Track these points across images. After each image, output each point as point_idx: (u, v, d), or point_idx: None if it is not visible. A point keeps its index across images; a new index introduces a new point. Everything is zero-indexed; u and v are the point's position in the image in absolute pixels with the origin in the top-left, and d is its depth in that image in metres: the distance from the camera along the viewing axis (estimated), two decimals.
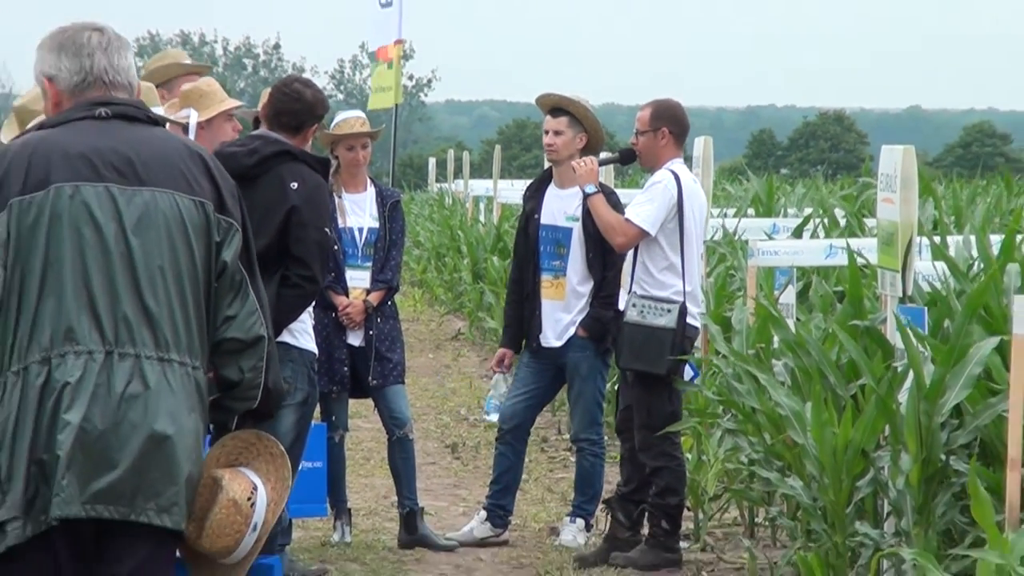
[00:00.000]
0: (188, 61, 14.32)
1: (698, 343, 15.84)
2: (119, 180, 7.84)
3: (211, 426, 8.44)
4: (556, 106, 15.46)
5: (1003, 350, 12.61)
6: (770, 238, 21.17)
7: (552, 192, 15.48)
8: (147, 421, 7.70)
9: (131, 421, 7.68)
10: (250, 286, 8.16)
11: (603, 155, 15.41)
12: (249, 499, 8.16)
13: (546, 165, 15.96)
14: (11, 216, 7.77)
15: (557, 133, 15.22)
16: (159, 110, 13.35)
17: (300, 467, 13.79)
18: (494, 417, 17.51)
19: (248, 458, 8.39)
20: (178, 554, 8.14)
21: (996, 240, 15.90)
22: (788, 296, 17.53)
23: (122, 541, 7.80)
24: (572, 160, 14.91)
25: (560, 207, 15.34)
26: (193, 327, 7.93)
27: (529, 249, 15.64)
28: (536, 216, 15.54)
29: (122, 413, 7.68)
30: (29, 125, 14.31)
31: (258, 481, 8.28)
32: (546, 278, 15.44)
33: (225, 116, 14.03)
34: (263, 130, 13.63)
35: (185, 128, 13.79)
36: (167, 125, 13.03)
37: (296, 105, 13.61)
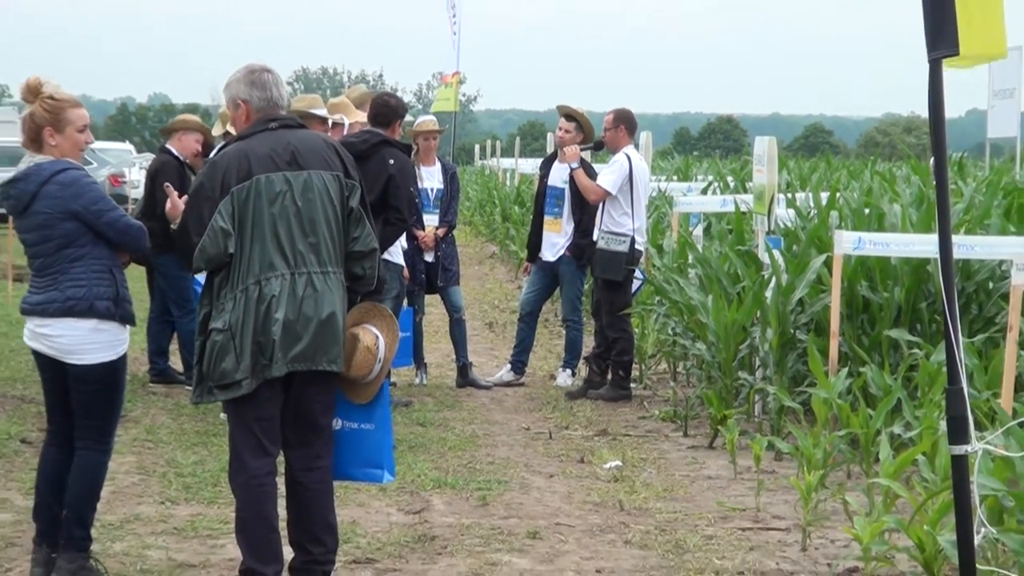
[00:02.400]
0: (319, 109, 14.58)
1: (643, 261, 17.41)
2: (289, 168, 8.86)
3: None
4: (568, 113, 16.95)
5: (828, 264, 14.16)
6: (686, 195, 22.56)
7: (556, 166, 17.05)
8: (317, 312, 8.76)
9: (306, 314, 8.74)
10: (366, 220, 9.15)
11: (583, 145, 16.81)
12: (375, 344, 9.19)
13: (549, 150, 17.41)
14: (233, 199, 8.76)
15: (567, 131, 16.81)
16: (322, 112, 14.71)
17: (402, 320, 14.84)
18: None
19: (370, 318, 9.32)
20: None
21: (824, 196, 17.79)
22: (698, 231, 19.53)
23: (309, 380, 8.91)
24: (570, 148, 16.55)
25: (560, 175, 16.88)
26: (338, 249, 8.98)
27: (541, 201, 17.24)
28: (546, 180, 17.16)
29: (302, 309, 8.74)
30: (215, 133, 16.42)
31: (379, 333, 9.26)
32: (548, 219, 17.01)
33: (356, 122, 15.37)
34: (369, 127, 14.78)
35: (337, 125, 15.24)
36: (330, 123, 14.81)
37: (386, 109, 14.88)
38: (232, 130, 9.90)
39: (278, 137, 9.00)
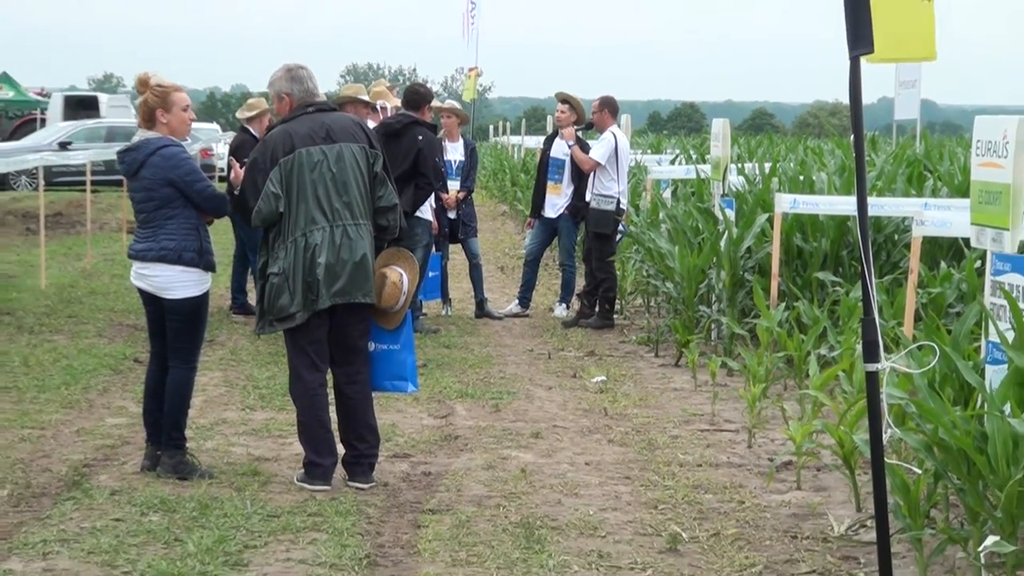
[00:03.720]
0: (363, 95, 14.64)
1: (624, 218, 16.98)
2: (324, 142, 8.98)
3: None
4: (564, 98, 16.85)
5: (770, 220, 14.14)
6: (658, 165, 22.63)
7: (557, 142, 16.82)
8: (352, 256, 8.91)
9: (343, 258, 8.89)
10: (388, 181, 9.25)
11: (577, 126, 16.70)
12: (400, 281, 9.30)
13: (549, 130, 17.35)
14: (281, 169, 8.88)
15: (563, 112, 16.67)
16: (365, 97, 14.65)
17: (427, 275, 15.32)
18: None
19: (395, 260, 9.42)
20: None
21: (767, 166, 17.69)
22: (667, 194, 19.41)
23: (348, 311, 9.08)
24: (569, 127, 16.54)
25: (560, 149, 16.69)
26: (366, 205, 9.11)
27: (543, 170, 17.08)
28: (548, 153, 17.00)
29: (340, 254, 8.89)
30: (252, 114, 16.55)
31: (403, 271, 9.38)
32: (551, 184, 16.85)
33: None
34: (403, 111, 14.81)
35: (379, 110, 15.26)
36: (378, 106, 14.88)
37: (416, 96, 14.86)
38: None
39: (315, 119, 9.11)
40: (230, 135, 25.77)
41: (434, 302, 17.05)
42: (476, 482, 9.42)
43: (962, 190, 14.26)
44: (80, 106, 49.14)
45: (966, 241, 9.36)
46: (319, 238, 8.90)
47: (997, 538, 6.46)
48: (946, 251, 13.47)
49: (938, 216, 10.83)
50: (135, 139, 9.25)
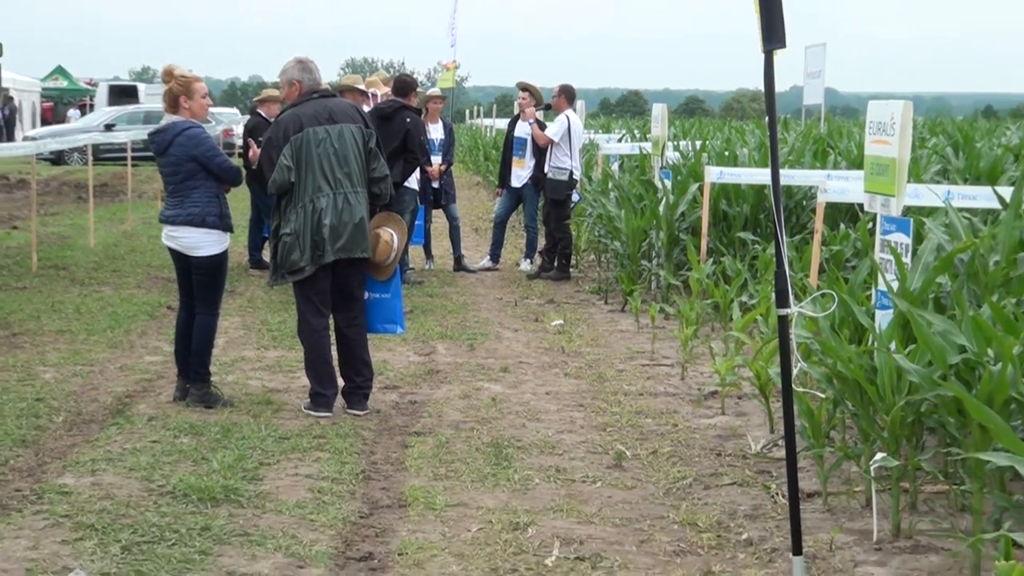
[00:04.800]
0: (360, 85, 14.85)
1: (579, 186, 16.99)
2: (327, 123, 8.98)
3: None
4: (524, 87, 16.84)
5: (701, 188, 14.10)
6: (608, 143, 22.53)
7: (520, 123, 16.79)
8: (351, 218, 8.92)
9: (344, 220, 8.90)
10: (381, 156, 9.22)
11: (537, 108, 16.60)
12: (391, 240, 9.35)
13: (515, 113, 17.15)
14: (292, 146, 8.88)
15: (524, 99, 16.67)
16: (361, 86, 14.75)
17: (416, 227, 15.43)
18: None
19: (387, 223, 9.44)
20: None
21: (698, 144, 17.77)
22: (615, 167, 19.40)
23: (348, 265, 9.07)
24: (529, 110, 16.47)
25: (523, 129, 16.64)
26: (363, 176, 9.08)
27: (509, 147, 17.02)
28: (513, 132, 16.97)
29: (342, 216, 8.90)
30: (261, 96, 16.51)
31: (394, 232, 9.42)
32: (515, 159, 16.82)
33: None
34: (393, 97, 14.66)
35: (370, 96, 15.22)
36: (371, 93, 14.79)
37: (404, 85, 14.75)
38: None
39: (319, 103, 9.09)
40: (247, 118, 25.54)
41: (419, 258, 17.03)
42: (454, 409, 9.44)
43: (858, 163, 14.07)
44: (122, 94, 49.23)
45: (860, 206, 9.33)
46: (324, 203, 8.88)
47: (884, 455, 6.50)
48: (844, 214, 13.46)
49: (838, 185, 10.86)
50: (163, 122, 9.24)
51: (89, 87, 54.92)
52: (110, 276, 16.05)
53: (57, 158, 39.29)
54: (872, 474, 6.71)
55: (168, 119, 9.21)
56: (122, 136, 26.77)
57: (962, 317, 6.67)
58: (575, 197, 16.77)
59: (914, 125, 9.83)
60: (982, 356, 6.36)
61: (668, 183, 14.97)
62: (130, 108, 42.87)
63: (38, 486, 7.26)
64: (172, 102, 9.16)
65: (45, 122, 49.73)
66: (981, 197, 10.06)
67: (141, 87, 52.08)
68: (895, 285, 7.40)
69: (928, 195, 9.80)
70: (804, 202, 14.52)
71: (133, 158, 25.74)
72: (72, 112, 47.48)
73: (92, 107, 48.19)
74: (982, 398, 6.00)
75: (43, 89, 54.65)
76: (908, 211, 8.20)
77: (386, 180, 9.28)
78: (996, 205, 9.64)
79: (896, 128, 7.42)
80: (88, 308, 13.46)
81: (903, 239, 7.59)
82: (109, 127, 37.39)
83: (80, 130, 37.36)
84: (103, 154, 34.82)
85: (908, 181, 7.85)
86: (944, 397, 6.28)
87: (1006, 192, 9.32)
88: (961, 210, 9.23)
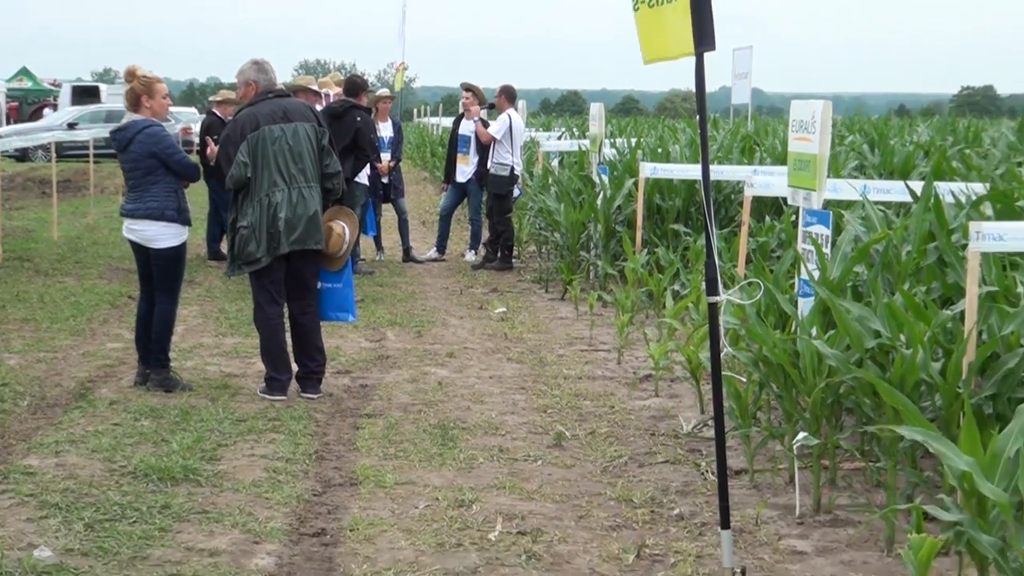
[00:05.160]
0: (313, 85, 14.32)
1: (520, 181, 16.90)
2: (282, 121, 8.93)
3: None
4: (468, 87, 16.75)
5: (636, 183, 13.95)
6: (548, 140, 22.44)
7: (464, 122, 16.66)
8: (305, 211, 8.89)
9: (299, 213, 8.87)
10: (333, 153, 9.16)
11: (481, 107, 16.49)
12: (343, 232, 9.26)
13: (460, 111, 17.00)
14: (249, 143, 8.82)
15: (467, 98, 16.57)
16: (314, 86, 14.38)
17: (366, 220, 15.46)
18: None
19: (339, 216, 9.36)
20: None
21: (634, 141, 17.78)
22: (555, 163, 19.34)
23: (302, 256, 9.03)
24: (472, 109, 16.37)
25: (467, 127, 16.51)
26: (316, 171, 9.02)
27: (454, 144, 16.93)
28: (457, 130, 16.84)
29: (296, 210, 8.86)
30: (218, 98, 16.15)
31: (345, 225, 9.33)
32: (460, 155, 16.72)
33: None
34: (344, 97, 14.63)
35: (323, 96, 14.98)
36: (323, 93, 14.55)
37: (354, 86, 14.74)
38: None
39: (275, 103, 9.03)
40: (204, 117, 25.36)
41: (370, 249, 16.98)
42: (403, 392, 9.42)
43: (782, 159, 14.26)
44: (85, 94, 48.71)
45: (784, 200, 9.41)
46: (279, 198, 8.84)
47: (806, 434, 6.56)
48: (770, 207, 13.44)
49: (764, 180, 10.87)
50: (124, 120, 9.20)
51: (53, 87, 54.40)
52: (73, 267, 15.91)
53: (22, 155, 39.03)
54: (795, 452, 6.76)
55: (129, 117, 9.15)
56: (84, 134, 26.60)
57: (877, 304, 6.77)
58: (516, 192, 16.72)
59: (833, 123, 9.91)
60: (895, 341, 6.45)
61: (605, 178, 14.97)
62: (92, 107, 42.45)
63: (4, 467, 7.20)
64: (134, 101, 9.09)
65: (10, 121, 49.21)
66: (895, 191, 10.12)
67: (103, 87, 51.51)
68: (816, 274, 7.46)
69: (846, 189, 9.86)
70: (732, 196, 14.54)
71: (95, 155, 25.52)
72: (48, 111, 47.12)
73: (56, 107, 47.72)
74: (895, 381, 6.09)
75: (8, 90, 54.06)
76: (828, 204, 8.20)
77: (338, 176, 9.22)
78: (908, 199, 9.71)
79: (817, 126, 7.47)
80: (52, 298, 13.34)
81: (823, 231, 7.65)
82: (72, 125, 37.07)
83: (44, 128, 37.08)
84: (66, 151, 34.45)
85: (828, 176, 7.92)
86: (861, 380, 6.33)
87: (917, 186, 9.41)
88: (877, 203, 9.32)
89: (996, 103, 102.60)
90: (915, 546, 4.59)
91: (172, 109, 32.05)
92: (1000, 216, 8.70)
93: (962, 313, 6.60)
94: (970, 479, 4.59)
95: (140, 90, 9.01)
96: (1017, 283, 7.14)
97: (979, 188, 9.64)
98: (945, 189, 9.26)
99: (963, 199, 9.07)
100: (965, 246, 6.71)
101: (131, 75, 9.08)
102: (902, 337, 6.40)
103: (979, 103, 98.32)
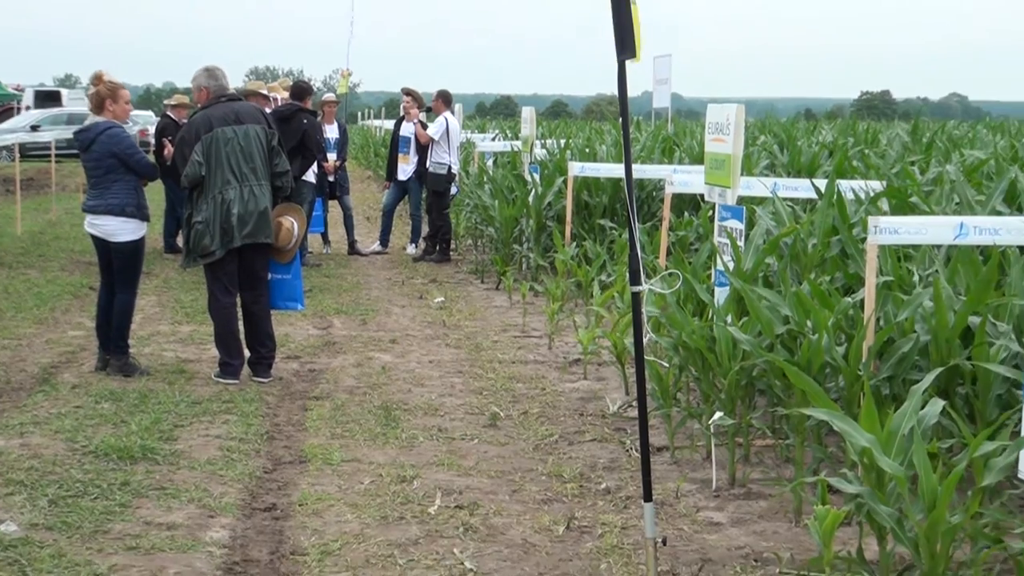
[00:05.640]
0: (263, 90, 14.12)
1: (457, 180, 16.94)
2: (235, 123, 8.89)
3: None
4: (407, 92, 16.79)
5: (566, 181, 14.04)
6: (483, 141, 22.35)
7: (404, 124, 16.63)
8: (256, 207, 8.85)
9: (250, 209, 8.82)
10: (282, 153, 9.11)
11: (420, 111, 16.57)
12: (292, 227, 9.21)
13: (401, 114, 16.96)
14: (203, 144, 8.77)
15: (407, 102, 16.61)
16: (264, 90, 14.24)
17: (314, 215, 15.45)
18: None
19: (288, 212, 9.28)
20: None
21: (563, 141, 17.73)
22: (490, 163, 19.18)
23: (254, 249, 8.99)
24: (412, 112, 16.39)
25: (408, 129, 16.51)
26: (266, 170, 8.96)
27: (395, 145, 16.92)
28: (399, 132, 16.81)
29: (247, 206, 8.81)
30: (172, 101, 15.89)
31: (294, 220, 9.28)
32: (401, 155, 16.70)
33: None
34: (292, 101, 14.44)
35: (272, 100, 14.59)
36: (271, 97, 14.24)
37: (300, 91, 14.69)
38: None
39: (227, 106, 8.98)
40: (159, 120, 24.96)
41: (317, 243, 16.88)
42: (348, 376, 9.39)
43: (699, 159, 14.19)
44: (47, 98, 48.23)
45: (702, 196, 9.45)
46: (232, 195, 8.79)
47: (722, 413, 6.59)
48: (688, 204, 13.50)
49: (683, 178, 10.91)
50: (87, 122, 9.14)
51: (17, 92, 53.76)
52: (36, 260, 15.74)
53: None
54: (711, 431, 6.79)
55: (92, 119, 9.10)
56: (47, 135, 26.49)
57: (786, 293, 6.83)
58: (454, 189, 16.69)
59: (746, 126, 10.00)
60: (802, 327, 6.51)
61: (536, 177, 15.00)
62: (54, 111, 42.04)
63: None
64: (98, 104, 9.05)
65: None
66: (802, 188, 10.19)
67: (64, 92, 50.97)
68: (731, 265, 7.52)
69: (758, 186, 9.91)
70: (654, 193, 14.52)
71: (56, 155, 25.26)
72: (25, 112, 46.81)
73: (19, 110, 47.18)
74: (802, 364, 6.15)
75: None
76: (742, 200, 8.24)
77: (287, 175, 9.16)
78: (814, 195, 9.78)
79: (731, 128, 7.53)
80: (16, 289, 13.20)
81: (738, 225, 7.72)
82: (35, 128, 36.68)
83: (8, 130, 36.68)
84: (29, 152, 34.08)
85: (741, 174, 7.97)
86: (771, 363, 6.37)
87: (822, 184, 9.48)
88: (786, 200, 9.38)
89: (892, 107, 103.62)
90: (820, 517, 4.63)
91: (133, 113, 31.70)
92: (896, 211, 8.81)
93: (862, 301, 6.68)
94: (870, 455, 4.62)
95: (105, 94, 8.97)
96: (911, 273, 7.21)
97: (877, 185, 9.74)
98: (847, 187, 9.37)
99: (863, 196, 9.17)
100: (865, 239, 6.76)
101: (98, 80, 9.03)
102: (808, 323, 6.45)
103: (877, 107, 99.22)
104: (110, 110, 9.04)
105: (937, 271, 7.08)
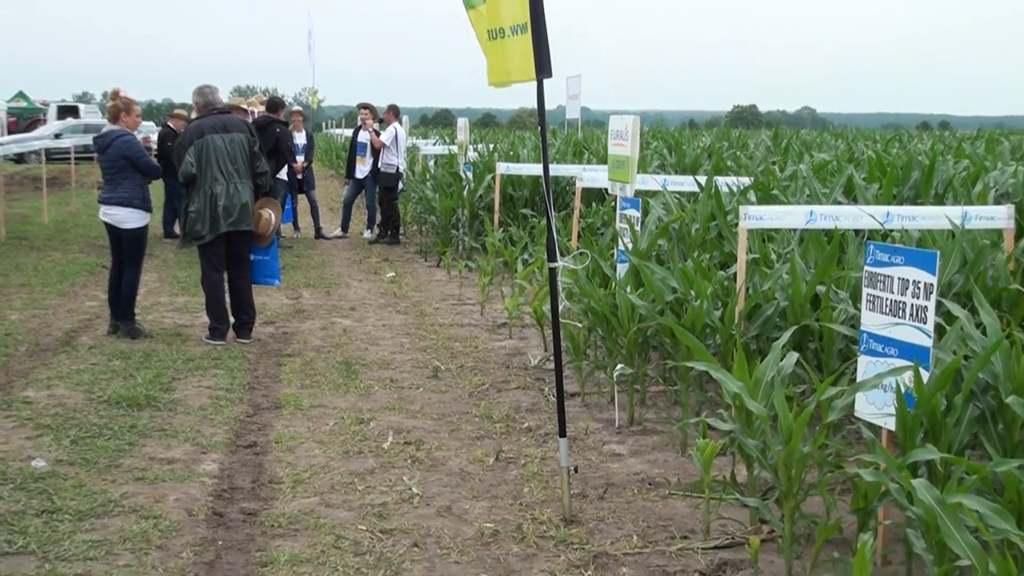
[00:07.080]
0: (244, 104, 13.00)
1: (404, 178, 16.83)
2: (222, 131, 8.76)
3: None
4: (364, 106, 16.46)
5: (494, 178, 13.84)
6: (426, 146, 21.73)
7: (361, 132, 16.23)
8: (240, 200, 8.71)
9: (234, 202, 8.70)
10: (261, 157, 9.01)
11: (375, 122, 16.10)
12: (270, 217, 9.09)
13: (359, 124, 16.60)
14: (195, 148, 8.66)
15: (364, 114, 16.23)
16: (244, 104, 13.56)
17: (286, 209, 15.23)
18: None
19: (266, 205, 9.12)
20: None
21: (491, 146, 17.50)
22: (431, 164, 18.87)
23: (238, 235, 8.88)
24: (368, 122, 16.04)
25: (364, 136, 16.14)
26: (248, 170, 8.83)
27: (354, 149, 16.54)
28: (356, 138, 16.46)
29: (232, 199, 8.69)
30: (173, 114, 15.49)
31: (272, 212, 9.15)
32: (359, 157, 16.31)
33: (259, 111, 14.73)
34: (266, 113, 14.21)
35: (250, 113, 14.23)
36: (250, 110, 14.00)
37: (274, 104, 14.42)
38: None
39: (216, 118, 8.85)
40: (160, 129, 24.39)
41: (289, 230, 16.65)
42: (316, 337, 9.29)
43: (604, 160, 14.25)
44: (67, 112, 47.38)
45: (606, 190, 9.45)
46: (219, 190, 8.67)
47: (623, 365, 6.59)
48: (595, 196, 13.39)
49: (591, 176, 10.87)
50: (104, 129, 9.04)
51: (43, 106, 52.82)
52: (59, 244, 15.49)
53: (19, 158, 38.17)
54: (615, 380, 6.81)
55: (108, 127, 9.01)
56: (67, 142, 26.37)
57: (674, 268, 6.81)
58: (401, 185, 16.47)
59: (641, 133, 9.98)
60: (687, 295, 6.50)
61: (470, 175, 14.88)
62: (73, 122, 41.47)
63: (7, 398, 7.03)
64: (115, 115, 8.97)
65: (9, 132, 47.88)
66: (687, 183, 10.16)
67: (81, 107, 50.12)
68: (630, 246, 7.51)
69: (652, 182, 9.87)
70: (567, 188, 14.52)
71: (76, 158, 24.97)
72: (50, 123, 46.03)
73: (45, 121, 46.38)
74: (687, 325, 6.14)
75: (8, 108, 52.73)
76: (638, 193, 8.24)
77: (266, 175, 9.06)
78: (697, 189, 9.77)
79: (629, 135, 7.50)
80: (43, 267, 13.01)
81: (635, 213, 7.70)
82: (58, 136, 36.14)
83: (36, 138, 36.20)
84: (53, 155, 33.57)
85: (638, 172, 7.96)
86: (663, 325, 6.37)
87: (703, 180, 9.47)
88: (673, 193, 9.37)
89: (758, 118, 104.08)
90: (701, 448, 4.69)
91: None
92: (761, 201, 8.83)
93: (735, 274, 6.70)
94: (740, 399, 4.64)
95: (121, 107, 8.91)
96: (773, 252, 7.23)
97: (746, 181, 9.77)
98: (722, 182, 9.38)
99: (735, 189, 9.17)
100: (737, 224, 6.75)
101: (115, 95, 9.00)
102: (692, 292, 6.44)
103: (746, 118, 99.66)
104: (124, 120, 8.96)
105: (793, 250, 7.10)
